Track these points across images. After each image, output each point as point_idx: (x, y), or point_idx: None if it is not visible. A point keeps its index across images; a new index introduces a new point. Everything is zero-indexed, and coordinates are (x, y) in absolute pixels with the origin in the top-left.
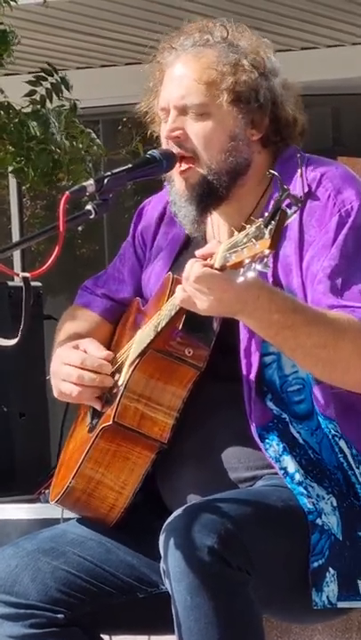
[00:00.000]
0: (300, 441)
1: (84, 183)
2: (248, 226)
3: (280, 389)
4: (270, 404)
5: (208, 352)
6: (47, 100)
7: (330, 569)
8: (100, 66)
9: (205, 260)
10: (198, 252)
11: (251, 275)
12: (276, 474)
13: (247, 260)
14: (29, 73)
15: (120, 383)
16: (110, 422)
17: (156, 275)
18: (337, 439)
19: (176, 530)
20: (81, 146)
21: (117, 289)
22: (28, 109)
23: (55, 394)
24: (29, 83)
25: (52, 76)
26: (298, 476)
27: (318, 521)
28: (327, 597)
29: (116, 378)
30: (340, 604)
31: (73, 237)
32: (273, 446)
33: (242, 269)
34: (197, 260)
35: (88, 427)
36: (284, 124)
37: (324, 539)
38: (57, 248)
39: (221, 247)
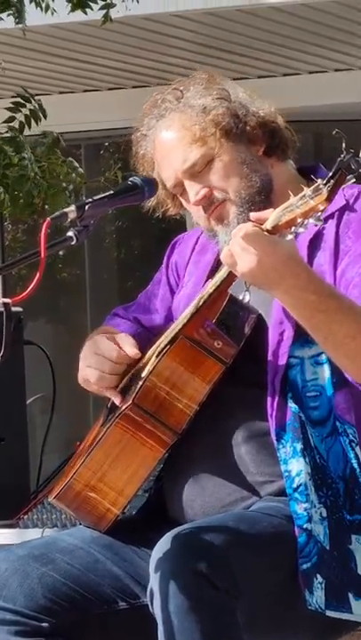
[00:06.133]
0: (312, 443)
1: (66, 209)
2: (305, 188)
3: (301, 391)
4: (290, 402)
5: (236, 350)
6: (25, 127)
7: (317, 575)
8: (83, 91)
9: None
10: (252, 215)
11: (301, 231)
12: (278, 493)
13: (300, 219)
14: (12, 97)
15: (143, 375)
16: (130, 403)
17: (188, 296)
18: (354, 445)
19: (165, 553)
20: (62, 177)
21: (148, 317)
22: (6, 135)
23: (79, 379)
24: (9, 109)
25: (30, 102)
26: (298, 480)
27: (307, 525)
28: (316, 602)
29: (140, 373)
30: (329, 613)
31: (54, 262)
32: (286, 448)
33: (293, 227)
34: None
35: (102, 423)
36: (270, 127)
37: (311, 543)
38: (38, 274)
39: (276, 210)
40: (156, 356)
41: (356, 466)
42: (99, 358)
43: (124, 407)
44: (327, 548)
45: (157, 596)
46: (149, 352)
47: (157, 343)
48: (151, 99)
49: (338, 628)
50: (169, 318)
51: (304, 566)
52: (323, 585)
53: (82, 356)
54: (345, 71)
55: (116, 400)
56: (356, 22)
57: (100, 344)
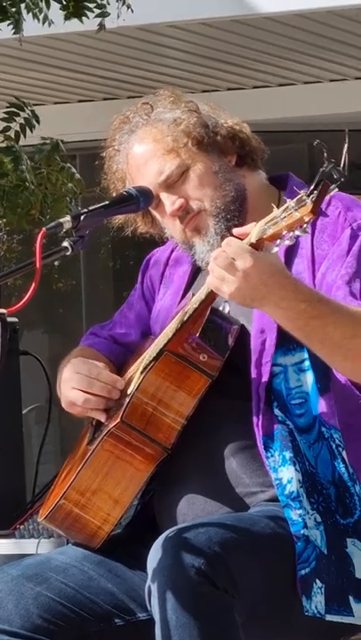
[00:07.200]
0: (302, 450)
1: (61, 220)
2: (288, 200)
3: (286, 399)
4: (277, 411)
5: (222, 362)
6: (21, 136)
7: (317, 580)
8: (78, 101)
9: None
10: (235, 231)
11: (287, 243)
12: (272, 500)
13: (285, 232)
14: (6, 107)
15: (129, 392)
16: (118, 421)
17: (166, 310)
18: (341, 449)
19: (164, 550)
20: (60, 185)
21: (124, 333)
22: (2, 144)
23: (63, 403)
24: (3, 120)
25: (24, 110)
26: (289, 487)
27: (303, 531)
28: (315, 607)
29: (126, 390)
30: (330, 618)
31: (49, 272)
32: (274, 456)
33: (278, 240)
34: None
35: (87, 441)
36: (239, 137)
37: (310, 548)
38: (33, 285)
39: (259, 223)
40: (142, 373)
41: (343, 470)
42: (87, 378)
43: (111, 425)
44: (325, 552)
45: (155, 593)
46: (132, 368)
47: (141, 359)
48: (120, 115)
49: (335, 635)
50: (146, 334)
51: (303, 572)
52: (322, 590)
53: (64, 379)
54: (340, 81)
55: (102, 418)
56: (351, 33)
57: (82, 366)
